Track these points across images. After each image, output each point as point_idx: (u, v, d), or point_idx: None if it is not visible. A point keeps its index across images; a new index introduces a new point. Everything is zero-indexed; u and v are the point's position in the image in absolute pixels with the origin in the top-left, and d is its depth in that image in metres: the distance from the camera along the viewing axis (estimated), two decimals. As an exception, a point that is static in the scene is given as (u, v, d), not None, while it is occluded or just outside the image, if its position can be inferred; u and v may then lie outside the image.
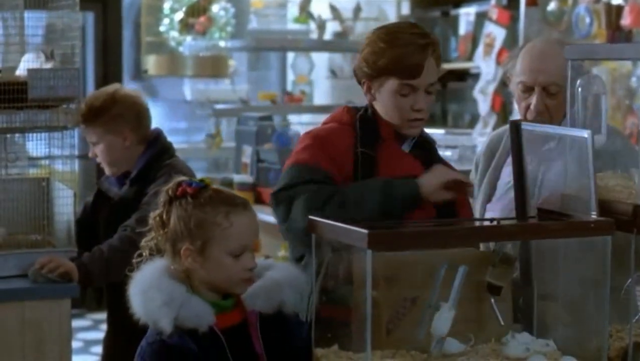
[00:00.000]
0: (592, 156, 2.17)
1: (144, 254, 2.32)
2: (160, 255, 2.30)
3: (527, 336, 2.24)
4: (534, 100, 2.94)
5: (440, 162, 2.75)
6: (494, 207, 3.00)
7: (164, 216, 2.27)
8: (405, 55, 2.63)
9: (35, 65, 3.52)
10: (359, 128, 2.69)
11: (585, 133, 2.19)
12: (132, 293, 2.24)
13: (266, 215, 4.31)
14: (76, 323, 5.85)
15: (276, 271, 2.33)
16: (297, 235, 2.58)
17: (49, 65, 3.52)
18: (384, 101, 2.69)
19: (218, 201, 2.25)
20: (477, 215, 2.95)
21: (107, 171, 3.67)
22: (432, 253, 2.23)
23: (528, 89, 2.96)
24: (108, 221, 3.55)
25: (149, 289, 2.21)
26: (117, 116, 3.56)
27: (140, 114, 3.63)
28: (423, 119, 2.70)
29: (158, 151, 3.61)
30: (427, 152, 2.76)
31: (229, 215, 2.23)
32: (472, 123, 6.76)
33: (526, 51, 3.00)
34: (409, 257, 2.23)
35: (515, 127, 2.44)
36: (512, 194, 2.91)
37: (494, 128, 5.55)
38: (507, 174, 2.94)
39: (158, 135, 3.68)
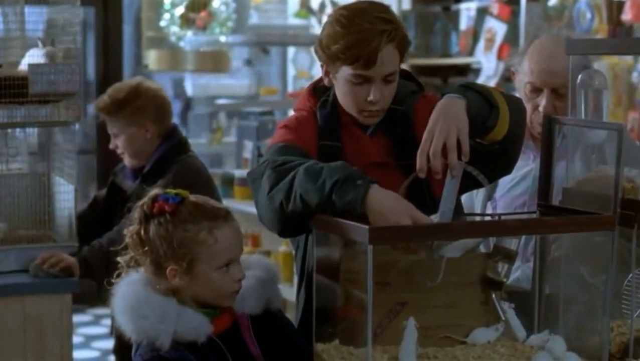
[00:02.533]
0: (623, 150, 2.16)
1: (122, 273, 2.22)
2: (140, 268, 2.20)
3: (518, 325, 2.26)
4: (542, 101, 2.87)
5: (413, 135, 2.45)
6: (496, 204, 2.96)
7: (142, 233, 2.16)
8: (359, 43, 2.37)
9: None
10: (319, 118, 2.51)
11: (617, 127, 2.17)
12: (118, 311, 2.14)
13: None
14: (77, 318, 5.85)
15: (256, 270, 2.28)
16: (263, 217, 2.34)
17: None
18: (339, 88, 2.47)
19: (199, 216, 2.15)
20: (478, 212, 2.94)
21: (128, 162, 3.68)
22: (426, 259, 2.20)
23: (536, 90, 2.89)
24: (121, 215, 3.54)
25: (139, 307, 2.11)
26: (140, 108, 3.60)
27: (162, 107, 3.68)
28: (379, 110, 2.46)
29: (172, 146, 3.63)
30: (398, 127, 2.50)
31: (212, 230, 2.14)
32: (473, 119, 6.75)
33: (535, 51, 2.92)
34: (401, 261, 2.21)
35: (549, 120, 2.42)
36: (515, 192, 2.92)
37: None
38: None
39: (174, 130, 3.70)
